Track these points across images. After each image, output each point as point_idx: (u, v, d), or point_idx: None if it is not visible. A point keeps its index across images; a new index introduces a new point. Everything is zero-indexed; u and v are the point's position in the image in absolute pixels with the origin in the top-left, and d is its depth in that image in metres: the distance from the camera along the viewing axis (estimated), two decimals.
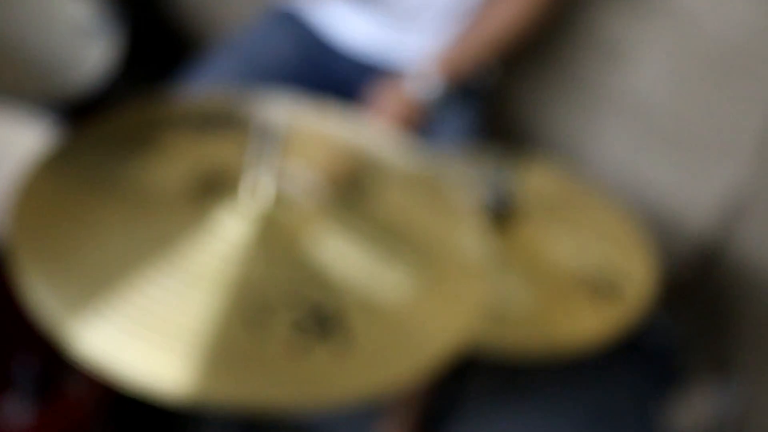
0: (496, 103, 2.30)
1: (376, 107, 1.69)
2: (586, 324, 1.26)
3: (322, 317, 0.99)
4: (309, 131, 1.26)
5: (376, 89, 1.72)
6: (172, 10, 2.90)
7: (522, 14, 1.75)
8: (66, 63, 2.10)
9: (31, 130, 1.55)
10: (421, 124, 1.75)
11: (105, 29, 2.04)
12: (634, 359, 2.33)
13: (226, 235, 1.04)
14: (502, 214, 1.37)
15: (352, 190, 1.18)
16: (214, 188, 1.11)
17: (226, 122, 1.23)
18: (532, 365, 1.23)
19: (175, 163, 1.14)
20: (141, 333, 0.94)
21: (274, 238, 1.06)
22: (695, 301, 2.29)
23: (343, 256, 1.07)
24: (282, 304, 0.99)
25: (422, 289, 1.07)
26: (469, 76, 1.81)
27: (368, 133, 1.31)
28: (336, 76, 1.85)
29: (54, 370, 1.45)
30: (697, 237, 2.19)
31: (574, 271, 1.33)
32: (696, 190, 2.13)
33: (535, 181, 1.50)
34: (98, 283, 0.97)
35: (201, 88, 1.75)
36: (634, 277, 1.35)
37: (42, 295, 0.95)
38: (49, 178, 1.08)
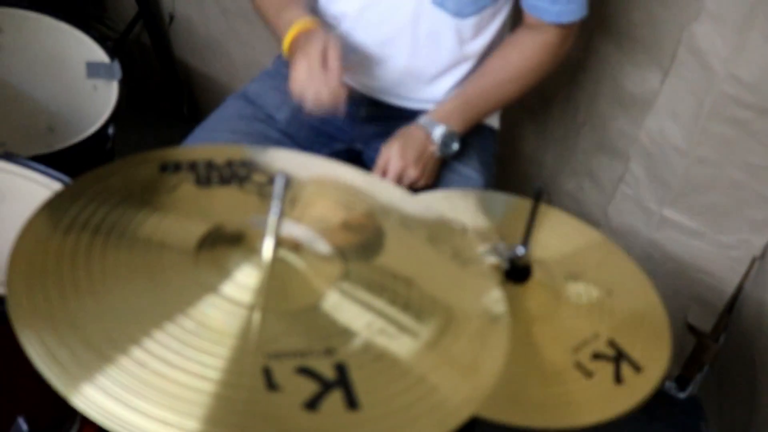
0: (509, 147, 2.28)
1: (396, 156, 1.66)
2: (599, 394, 1.19)
3: (340, 371, 0.95)
4: (319, 181, 1.24)
5: (393, 139, 1.70)
6: (183, 56, 2.89)
7: (535, 60, 1.74)
8: (72, 106, 2.08)
9: (38, 176, 1.53)
10: (437, 173, 1.73)
11: (114, 76, 2.01)
12: (656, 429, 2.28)
13: (234, 289, 1.00)
14: (517, 270, 1.31)
15: (365, 241, 1.15)
16: (222, 241, 1.07)
17: (233, 174, 1.21)
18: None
19: (181, 216, 1.11)
20: (147, 392, 0.89)
21: (284, 291, 1.02)
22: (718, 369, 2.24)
23: (360, 309, 1.03)
24: (293, 357, 0.95)
25: (437, 345, 1.02)
26: (482, 120, 1.80)
27: (380, 183, 1.28)
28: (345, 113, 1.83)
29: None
30: (720, 291, 2.14)
31: (588, 338, 1.26)
32: (719, 240, 2.08)
33: (548, 233, 1.45)
34: (103, 340, 0.92)
35: (210, 138, 1.73)
36: (650, 344, 1.28)
37: (45, 352, 0.90)
38: (53, 229, 1.04)
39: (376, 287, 1.07)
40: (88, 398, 0.87)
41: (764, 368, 1.96)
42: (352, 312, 1.02)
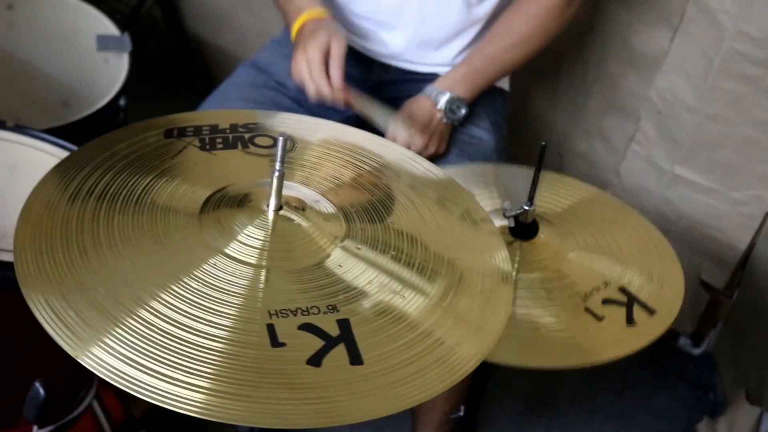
0: (520, 109, 2.28)
1: (402, 128, 1.66)
2: (610, 335, 1.22)
3: (343, 327, 0.96)
4: (327, 143, 1.25)
5: (400, 111, 1.70)
6: (195, 29, 2.90)
7: (540, 24, 1.74)
8: (85, 79, 2.10)
9: (49, 147, 1.55)
10: (447, 139, 1.74)
11: (124, 48, 2.03)
12: (671, 385, 2.29)
13: (239, 249, 1.02)
14: (525, 227, 1.33)
15: (374, 201, 1.16)
16: (226, 203, 1.09)
17: (237, 138, 1.22)
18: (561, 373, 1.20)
19: (187, 180, 1.12)
20: (155, 352, 0.91)
21: (288, 250, 1.04)
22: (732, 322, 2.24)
23: (364, 267, 1.04)
24: (297, 314, 0.96)
25: (444, 300, 1.03)
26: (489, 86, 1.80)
27: (389, 145, 1.30)
28: (356, 79, 1.83)
29: (68, 395, 1.44)
30: (733, 248, 2.14)
31: (598, 285, 1.29)
32: (731, 196, 2.07)
33: (559, 194, 1.47)
34: (110, 302, 0.94)
35: (221, 106, 1.74)
36: (663, 291, 1.30)
37: (53, 315, 0.92)
38: (61, 195, 1.06)
39: (382, 245, 1.08)
40: (98, 359, 0.89)
41: None
42: (357, 269, 1.04)
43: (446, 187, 1.23)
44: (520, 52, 1.75)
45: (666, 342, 2.34)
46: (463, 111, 1.72)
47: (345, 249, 1.06)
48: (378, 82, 1.83)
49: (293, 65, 1.63)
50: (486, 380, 1.47)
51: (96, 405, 1.57)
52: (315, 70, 1.58)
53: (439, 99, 1.70)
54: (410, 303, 1.02)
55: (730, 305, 2.20)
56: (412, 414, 1.86)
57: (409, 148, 1.64)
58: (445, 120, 1.71)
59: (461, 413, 1.53)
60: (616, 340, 1.21)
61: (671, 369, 2.31)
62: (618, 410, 2.21)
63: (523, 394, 2.19)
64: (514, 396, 2.18)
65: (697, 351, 2.33)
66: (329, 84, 1.59)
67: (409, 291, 1.03)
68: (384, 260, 1.06)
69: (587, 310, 1.23)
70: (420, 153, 1.66)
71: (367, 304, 1.00)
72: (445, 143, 1.73)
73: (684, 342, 2.33)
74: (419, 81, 1.78)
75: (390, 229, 1.12)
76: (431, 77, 1.78)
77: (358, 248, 1.07)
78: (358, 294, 1.01)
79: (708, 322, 2.27)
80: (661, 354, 2.33)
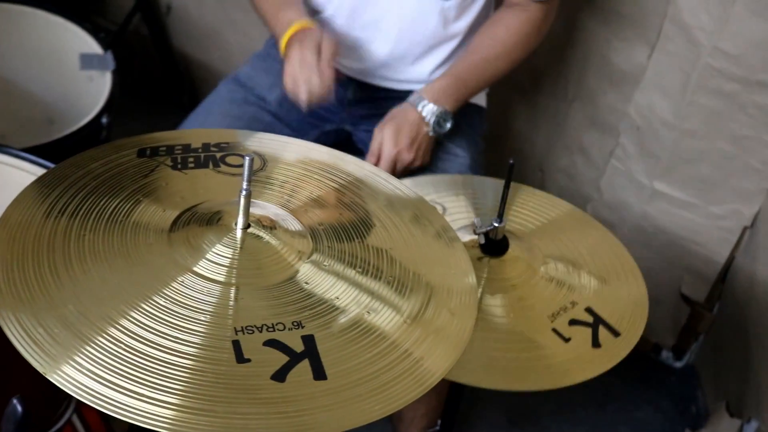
0: (501, 126, 2.30)
1: (389, 141, 1.68)
2: (577, 357, 1.23)
3: (308, 343, 0.98)
4: (298, 162, 1.27)
5: (385, 122, 1.72)
6: (182, 46, 2.92)
7: (522, 36, 1.76)
8: (68, 97, 2.12)
9: (28, 166, 1.56)
10: (431, 152, 1.75)
11: (107, 67, 2.05)
12: (653, 397, 2.31)
13: (207, 267, 1.04)
14: (495, 244, 1.34)
15: (347, 219, 1.18)
16: (196, 222, 1.11)
17: (208, 157, 1.24)
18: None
19: (158, 199, 1.14)
20: (124, 369, 0.92)
21: (257, 268, 1.06)
22: (712, 335, 2.25)
23: (332, 283, 1.06)
24: (262, 330, 0.98)
25: (412, 314, 1.05)
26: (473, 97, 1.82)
27: (357, 163, 1.31)
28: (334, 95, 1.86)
29: (47, 412, 1.44)
30: (712, 262, 2.15)
31: (565, 305, 1.30)
32: (710, 211, 2.09)
33: (534, 210, 1.48)
34: (80, 319, 0.96)
35: (202, 123, 1.76)
36: (628, 312, 1.32)
37: (23, 333, 0.94)
38: (33, 214, 1.08)
39: (350, 260, 1.10)
40: (68, 377, 0.91)
41: (757, 336, 1.98)
42: (324, 285, 1.06)
43: (420, 207, 1.25)
44: (502, 63, 1.77)
45: (648, 355, 2.36)
46: (449, 124, 1.73)
47: (313, 265, 1.08)
48: (355, 99, 1.85)
49: (286, 66, 1.65)
50: (461, 395, 1.48)
51: (76, 420, 1.57)
52: (307, 58, 1.61)
53: (426, 110, 1.71)
54: (378, 317, 1.03)
55: (711, 318, 2.22)
56: (392, 431, 1.87)
57: (394, 162, 1.66)
58: (431, 133, 1.72)
59: (438, 428, 1.55)
60: (581, 363, 1.23)
61: (654, 382, 2.33)
62: (601, 423, 2.22)
63: (505, 406, 2.20)
64: (496, 409, 2.19)
65: (679, 364, 2.35)
66: (320, 69, 1.61)
67: (377, 305, 1.05)
68: (352, 275, 1.08)
69: (554, 330, 1.24)
70: (406, 167, 1.68)
71: (334, 319, 1.02)
72: (429, 155, 1.75)
73: (666, 355, 2.35)
74: (395, 99, 1.79)
75: (361, 245, 1.14)
76: (407, 94, 1.80)
77: (326, 264, 1.08)
78: (325, 310, 1.03)
79: (689, 335, 2.29)
80: (643, 367, 2.34)
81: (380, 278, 1.09)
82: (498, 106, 2.09)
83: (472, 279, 1.13)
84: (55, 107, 2.18)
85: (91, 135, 1.89)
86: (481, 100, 1.91)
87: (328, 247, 1.11)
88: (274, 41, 1.94)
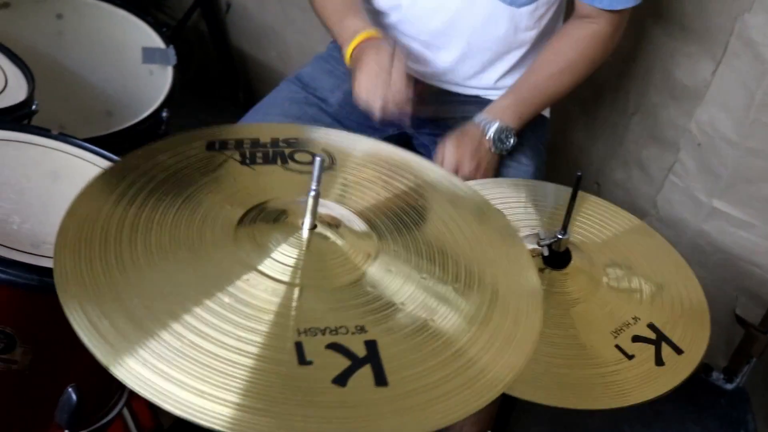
0: (559, 136, 2.28)
1: (451, 151, 1.68)
2: (640, 375, 1.21)
3: (370, 348, 0.97)
4: (364, 160, 1.26)
5: (449, 136, 1.70)
6: (239, 44, 2.93)
7: (586, 51, 1.74)
8: (129, 90, 2.14)
9: (91, 156, 1.57)
10: (494, 168, 1.74)
11: (169, 61, 2.06)
12: (702, 419, 2.27)
13: (272, 266, 1.03)
14: (557, 256, 1.33)
15: (407, 218, 1.17)
16: (262, 219, 1.10)
17: (277, 153, 1.23)
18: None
19: (225, 194, 1.14)
20: (185, 365, 0.92)
21: (322, 268, 1.05)
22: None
23: (397, 287, 1.05)
24: (325, 333, 0.97)
25: (475, 318, 1.04)
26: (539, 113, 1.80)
27: (427, 163, 1.30)
28: None
29: (100, 402, 1.45)
30: None
31: (628, 321, 1.28)
32: None
33: (596, 222, 1.46)
34: (144, 313, 0.95)
35: (261, 121, 1.76)
36: (690, 330, 1.29)
37: (88, 324, 0.93)
38: (101, 204, 1.08)
39: (415, 261, 1.09)
40: (129, 369, 0.91)
41: None
42: (388, 288, 1.05)
43: (481, 205, 1.24)
44: (566, 79, 1.76)
45: (699, 376, 2.32)
46: (512, 141, 1.72)
47: (377, 268, 1.07)
48: (419, 101, 1.83)
49: (359, 78, 1.63)
50: (513, 406, 1.47)
51: (126, 412, 1.59)
52: (383, 78, 1.60)
53: (488, 128, 1.70)
54: (442, 324, 1.02)
55: (765, 341, 2.18)
56: None
57: (456, 172, 1.65)
58: (493, 149, 1.70)
59: None
60: (645, 381, 1.20)
61: (703, 403, 2.29)
62: None
63: (550, 421, 2.17)
64: (541, 423, 2.16)
65: (729, 386, 2.31)
66: (395, 97, 1.60)
67: (441, 311, 1.03)
68: (417, 279, 1.07)
69: (618, 347, 1.22)
70: (466, 179, 1.67)
71: (398, 324, 1.01)
72: (492, 172, 1.73)
73: (717, 376, 2.31)
74: (462, 103, 1.78)
75: (424, 246, 1.13)
76: (474, 99, 1.79)
77: (391, 268, 1.07)
78: (389, 315, 1.01)
79: (742, 357, 2.24)
80: (693, 388, 2.30)
81: (445, 282, 1.07)
82: (558, 116, 2.06)
83: (536, 280, 1.12)
84: (115, 99, 2.20)
85: (150, 128, 1.90)
86: (545, 110, 1.89)
87: (394, 249, 1.10)
88: (335, 44, 1.94)
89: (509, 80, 1.80)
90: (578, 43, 1.74)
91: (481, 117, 1.72)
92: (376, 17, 1.80)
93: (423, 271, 1.08)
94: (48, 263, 1.28)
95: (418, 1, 1.74)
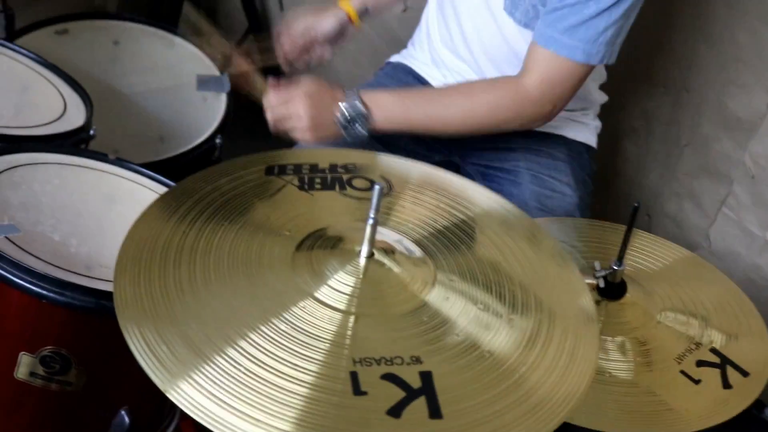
0: (609, 167, 2.26)
1: (301, 93, 1.60)
2: (710, 399, 1.20)
3: (425, 379, 0.96)
4: (419, 184, 1.27)
5: (315, 83, 1.63)
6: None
7: (496, 99, 1.63)
8: (182, 116, 2.16)
9: (146, 181, 1.59)
10: (329, 137, 1.63)
11: (223, 88, 2.08)
12: None
13: (329, 294, 1.03)
14: (613, 287, 1.32)
15: (461, 244, 1.17)
16: (319, 245, 1.11)
17: (335, 179, 1.24)
18: None
19: (283, 219, 1.15)
20: (240, 391, 0.92)
21: (378, 297, 1.05)
22: None
23: (455, 317, 1.05)
24: (380, 363, 0.97)
25: (533, 343, 1.03)
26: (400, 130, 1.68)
27: (480, 189, 1.30)
28: None
29: (151, 424, 1.46)
30: None
31: (689, 347, 1.27)
32: None
33: (646, 254, 1.45)
34: (201, 338, 0.96)
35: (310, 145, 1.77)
36: (751, 353, 1.29)
37: (146, 347, 0.95)
38: (160, 229, 1.09)
39: (472, 289, 1.09)
40: (184, 394, 0.91)
41: None
42: (444, 316, 1.04)
43: (534, 230, 1.24)
44: (459, 114, 1.64)
45: (750, 411, 2.28)
46: (360, 130, 1.60)
47: (435, 297, 1.06)
48: None
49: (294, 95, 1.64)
50: None
51: None
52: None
53: (349, 103, 1.59)
54: (499, 351, 1.01)
55: None
56: None
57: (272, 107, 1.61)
58: (338, 123, 1.60)
59: None
60: (714, 405, 1.20)
61: None
62: None
63: None
64: None
65: None
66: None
67: (497, 343, 1.02)
68: (474, 307, 1.06)
69: (683, 372, 1.21)
70: (278, 123, 1.62)
71: (453, 354, 1.00)
72: (314, 136, 1.61)
73: None
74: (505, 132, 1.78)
75: (480, 274, 1.12)
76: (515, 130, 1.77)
77: (447, 298, 1.07)
78: (444, 345, 1.01)
79: None
80: (743, 423, 2.26)
81: (501, 311, 1.07)
82: (607, 147, 2.05)
83: (591, 305, 1.11)
84: (168, 125, 2.22)
85: (204, 155, 1.92)
86: (591, 140, 1.88)
87: (449, 277, 1.10)
88: (388, 68, 1.95)
89: None
90: (495, 90, 1.64)
91: (354, 90, 1.62)
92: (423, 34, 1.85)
93: (479, 299, 1.08)
94: (104, 286, 1.29)
95: (457, 22, 1.77)
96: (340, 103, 1.59)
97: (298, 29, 1.91)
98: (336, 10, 1.90)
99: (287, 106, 1.60)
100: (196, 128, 2.03)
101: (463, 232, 1.19)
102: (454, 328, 1.03)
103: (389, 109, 1.61)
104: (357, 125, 1.60)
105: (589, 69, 1.59)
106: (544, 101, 1.61)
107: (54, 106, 1.75)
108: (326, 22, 1.90)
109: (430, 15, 1.88)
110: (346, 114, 1.59)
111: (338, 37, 1.93)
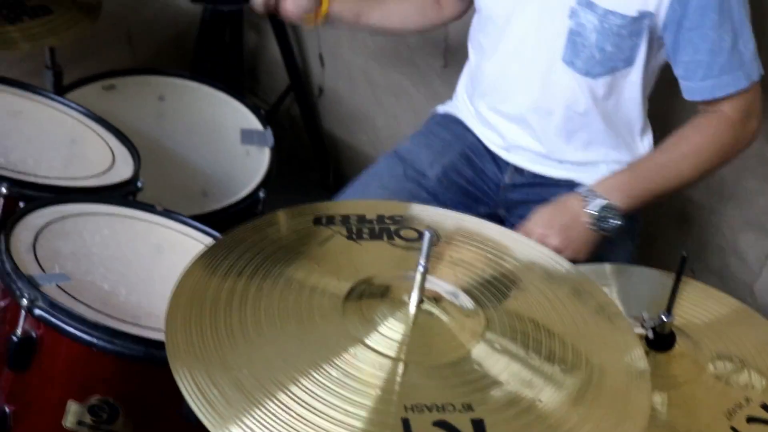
0: (651, 221, 2.25)
1: (540, 223, 1.63)
2: None
3: (478, 427, 0.95)
4: (465, 236, 1.27)
5: (546, 205, 1.66)
6: (330, 128, 2.99)
7: (714, 136, 1.66)
8: (225, 170, 2.19)
9: (193, 232, 1.61)
10: (590, 250, 1.66)
11: (267, 143, 2.11)
12: None
13: (379, 340, 1.04)
14: (662, 338, 1.30)
15: (509, 295, 1.17)
16: (369, 293, 1.11)
17: (383, 229, 1.25)
18: None
19: (332, 267, 1.16)
20: None
21: (427, 344, 1.05)
22: None
23: (504, 366, 1.04)
24: (432, 410, 0.96)
25: (581, 399, 1.02)
26: (647, 205, 1.70)
27: (525, 240, 1.31)
28: (490, 178, 1.87)
29: None
30: None
31: (740, 402, 1.24)
32: None
33: (693, 304, 1.44)
34: (252, 382, 0.96)
35: (361, 195, 1.78)
36: None
37: (198, 391, 0.95)
38: (210, 276, 1.11)
39: (520, 340, 1.08)
40: None
41: None
42: (494, 366, 1.04)
43: (580, 282, 1.23)
44: (690, 164, 1.66)
45: None
46: (616, 222, 1.63)
47: (483, 346, 1.06)
48: (511, 185, 1.84)
49: None
50: None
51: None
52: None
53: (590, 202, 1.62)
54: (550, 402, 1.00)
55: None
56: None
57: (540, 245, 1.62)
58: (592, 227, 1.63)
59: None
60: None
61: None
62: None
63: None
64: None
65: None
66: None
67: (548, 391, 1.02)
68: (523, 357, 1.06)
69: (733, 429, 1.18)
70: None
71: (503, 403, 0.99)
72: (585, 252, 1.65)
73: None
74: (551, 185, 1.78)
75: (529, 324, 1.12)
76: (565, 183, 1.78)
77: (497, 346, 1.06)
78: (495, 394, 1.00)
79: None
80: None
81: (551, 361, 1.06)
82: None
83: (642, 358, 1.10)
84: (211, 179, 2.25)
85: (248, 208, 1.94)
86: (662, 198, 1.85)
87: (498, 327, 1.10)
88: (435, 119, 1.97)
89: (594, 153, 1.78)
90: (704, 129, 1.66)
91: (585, 189, 1.65)
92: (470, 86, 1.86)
93: (529, 349, 1.07)
94: (153, 335, 1.30)
95: (503, 76, 1.77)
96: (585, 211, 1.62)
97: None
98: None
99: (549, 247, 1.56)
100: (240, 182, 2.05)
101: (510, 285, 1.19)
102: (504, 377, 1.02)
103: (629, 190, 1.64)
104: (610, 220, 1.63)
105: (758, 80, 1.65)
106: (745, 118, 1.67)
107: (102, 158, 1.78)
108: None
109: (473, 71, 1.89)
110: (597, 215, 1.62)
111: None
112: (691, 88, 1.65)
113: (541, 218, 1.63)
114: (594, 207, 1.62)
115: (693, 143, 1.66)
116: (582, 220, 1.62)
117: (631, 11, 1.59)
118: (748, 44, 1.61)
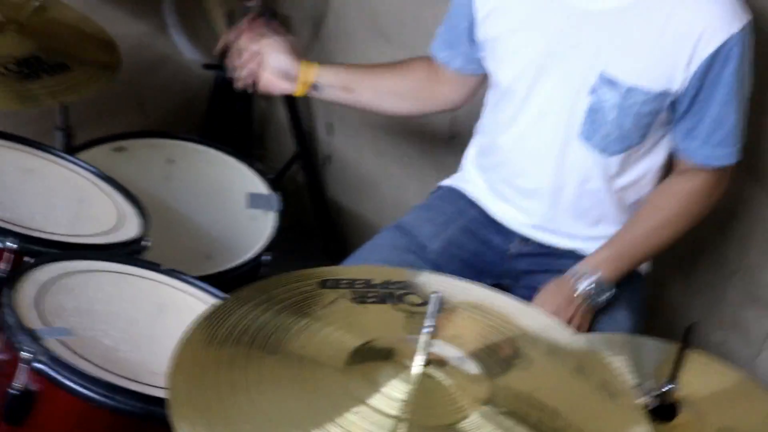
0: (653, 294, 2.25)
1: (541, 303, 1.69)
2: None
3: None
4: (469, 305, 1.28)
5: (542, 289, 1.72)
6: (335, 195, 3.00)
7: (687, 206, 1.74)
8: (230, 234, 2.19)
9: (197, 292, 1.62)
10: (586, 324, 1.72)
11: (273, 207, 2.12)
12: None
13: (381, 402, 1.04)
14: (665, 408, 1.30)
15: (507, 362, 1.17)
16: (372, 356, 1.12)
17: (389, 294, 1.26)
18: None
19: (336, 330, 1.16)
20: None
21: (429, 408, 1.05)
22: None
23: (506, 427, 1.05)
24: None
25: None
26: (632, 270, 1.79)
27: (529, 311, 1.32)
28: (495, 248, 1.87)
29: None
30: None
31: None
32: None
33: (694, 376, 1.43)
34: None
35: (359, 263, 1.79)
36: None
37: None
38: (213, 335, 1.12)
39: (520, 413, 1.08)
40: None
41: None
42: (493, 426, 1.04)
43: (587, 357, 1.23)
44: (666, 234, 1.75)
45: None
46: (607, 295, 1.71)
47: (484, 413, 1.06)
48: (518, 254, 1.85)
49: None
50: None
51: None
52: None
53: (582, 281, 1.70)
54: None
55: None
56: None
57: None
58: (586, 304, 1.70)
59: None
60: None
61: None
62: None
63: None
64: None
65: None
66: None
67: None
68: (522, 429, 1.06)
69: None
70: None
71: None
72: (586, 326, 1.71)
73: None
74: (557, 256, 1.79)
75: (529, 397, 1.12)
76: (569, 254, 1.79)
77: (498, 414, 1.06)
78: None
79: None
80: None
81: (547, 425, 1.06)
82: (651, 272, 2.05)
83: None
84: (216, 243, 2.25)
85: (250, 271, 1.94)
86: (642, 267, 1.88)
87: (499, 395, 1.10)
88: (438, 193, 1.98)
89: (603, 229, 1.80)
90: (678, 198, 1.74)
91: (575, 269, 1.72)
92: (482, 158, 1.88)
93: (532, 418, 1.07)
94: (153, 392, 1.30)
95: (520, 150, 1.78)
96: (577, 291, 1.70)
97: (263, 45, 1.93)
98: (297, 65, 1.92)
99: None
100: (244, 246, 2.06)
101: (515, 352, 1.20)
102: None
103: (616, 264, 1.74)
104: (603, 294, 1.72)
105: None
106: (722, 183, 1.76)
107: (109, 217, 1.80)
108: (280, 60, 1.92)
109: (485, 144, 1.90)
110: (591, 295, 1.71)
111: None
112: (685, 150, 1.71)
113: (543, 301, 1.69)
114: (585, 284, 1.70)
115: (668, 214, 1.75)
116: (577, 298, 1.69)
117: (656, 86, 1.63)
118: (743, 121, 1.68)
